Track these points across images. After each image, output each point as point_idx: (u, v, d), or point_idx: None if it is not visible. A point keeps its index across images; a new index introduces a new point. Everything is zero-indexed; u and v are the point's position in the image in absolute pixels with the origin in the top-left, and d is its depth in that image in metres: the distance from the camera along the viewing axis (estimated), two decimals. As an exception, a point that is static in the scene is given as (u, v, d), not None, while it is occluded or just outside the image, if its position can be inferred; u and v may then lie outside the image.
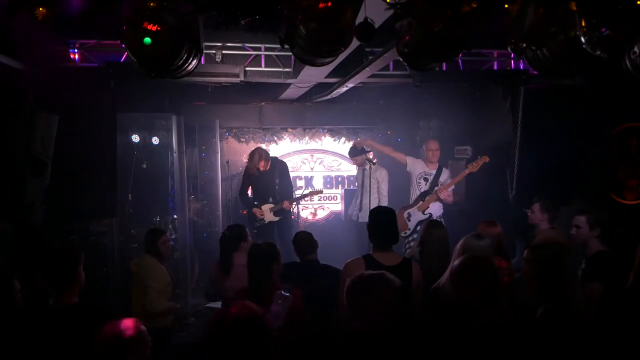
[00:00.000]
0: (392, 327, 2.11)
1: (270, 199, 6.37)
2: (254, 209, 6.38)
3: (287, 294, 2.74)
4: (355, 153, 6.45)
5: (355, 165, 6.74)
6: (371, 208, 6.25)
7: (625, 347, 2.22)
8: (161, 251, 4.09)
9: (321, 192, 7.21)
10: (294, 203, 6.53)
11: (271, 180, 6.38)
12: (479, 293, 2.22)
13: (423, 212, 5.92)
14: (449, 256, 3.80)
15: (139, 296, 3.95)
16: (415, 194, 6.07)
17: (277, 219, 6.36)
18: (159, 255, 4.08)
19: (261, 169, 6.27)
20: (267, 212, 6.35)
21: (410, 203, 6.06)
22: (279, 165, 6.51)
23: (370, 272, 2.35)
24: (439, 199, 5.90)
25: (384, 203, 6.25)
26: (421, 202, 5.95)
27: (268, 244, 3.37)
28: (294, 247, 3.94)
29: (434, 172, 6.05)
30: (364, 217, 6.29)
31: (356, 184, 6.80)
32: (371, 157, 6.28)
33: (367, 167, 6.15)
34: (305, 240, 3.91)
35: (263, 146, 7.80)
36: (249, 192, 6.61)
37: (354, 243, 6.54)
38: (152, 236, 4.13)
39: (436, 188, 5.93)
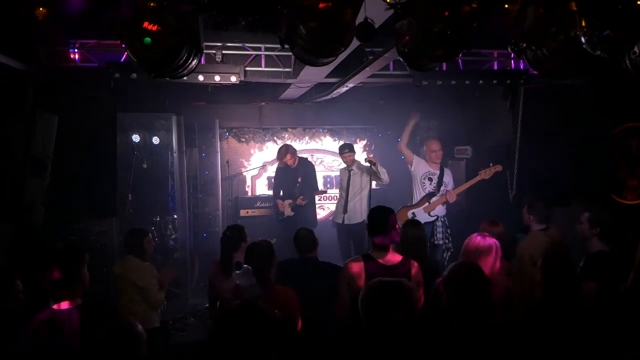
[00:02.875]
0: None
1: (292, 196, 6.64)
2: (278, 201, 6.74)
3: (245, 267, 2.91)
4: (344, 149, 6.45)
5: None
6: (361, 208, 6.30)
7: (617, 347, 2.22)
8: (146, 250, 4.04)
9: (325, 192, 7.39)
10: (307, 200, 6.60)
11: (295, 177, 6.65)
12: (467, 301, 2.24)
13: (429, 214, 5.90)
14: (426, 254, 3.85)
15: (129, 297, 3.87)
16: (419, 193, 6.03)
17: (292, 214, 6.60)
18: (144, 254, 4.02)
19: (288, 163, 6.56)
20: (286, 207, 6.66)
21: (414, 203, 6.03)
22: (304, 165, 6.79)
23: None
24: (446, 202, 5.88)
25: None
26: (427, 204, 5.91)
27: (264, 241, 3.39)
28: (294, 243, 3.93)
29: (438, 172, 6.02)
30: (351, 219, 6.31)
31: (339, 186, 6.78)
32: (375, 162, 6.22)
33: (353, 167, 6.31)
34: (305, 237, 3.89)
35: (263, 146, 7.84)
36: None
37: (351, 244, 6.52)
38: (137, 236, 4.05)
39: (443, 189, 5.91)
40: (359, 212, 6.34)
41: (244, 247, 3.99)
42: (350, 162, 6.40)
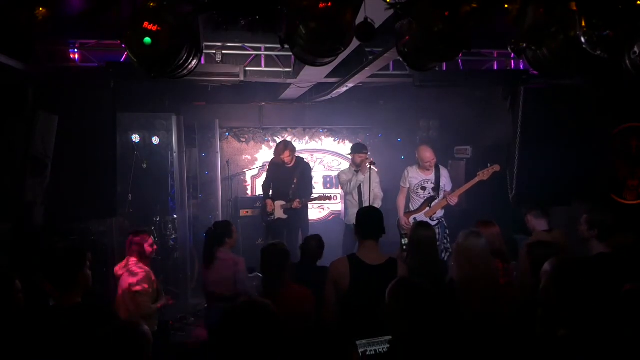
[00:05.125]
0: None
1: (285, 197, 6.40)
2: (267, 200, 6.42)
3: (254, 273, 2.95)
4: (360, 149, 6.21)
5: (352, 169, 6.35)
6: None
7: (619, 351, 2.20)
8: (148, 253, 4.01)
9: (330, 198, 6.94)
10: (305, 204, 6.48)
11: (290, 178, 6.37)
12: (579, 299, 2.01)
13: (431, 218, 5.87)
14: (435, 257, 3.81)
15: (124, 300, 3.84)
16: (416, 200, 5.99)
17: (285, 217, 6.37)
18: (145, 257, 3.99)
19: (286, 160, 6.28)
20: (277, 208, 6.38)
21: (414, 209, 6.00)
22: (301, 166, 6.50)
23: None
24: (447, 205, 5.85)
25: (381, 200, 6.23)
26: (428, 208, 5.89)
27: (281, 243, 3.46)
28: (303, 249, 4.08)
29: (432, 176, 5.93)
30: None
31: (347, 189, 6.34)
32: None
33: (365, 171, 6.06)
34: (317, 248, 4.10)
35: (263, 146, 7.84)
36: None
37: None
38: (139, 238, 4.03)
39: (443, 192, 5.90)
40: None
41: (229, 242, 4.20)
42: (365, 163, 6.10)
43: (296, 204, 6.26)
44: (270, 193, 6.50)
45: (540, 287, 2.12)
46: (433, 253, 3.79)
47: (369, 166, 6.04)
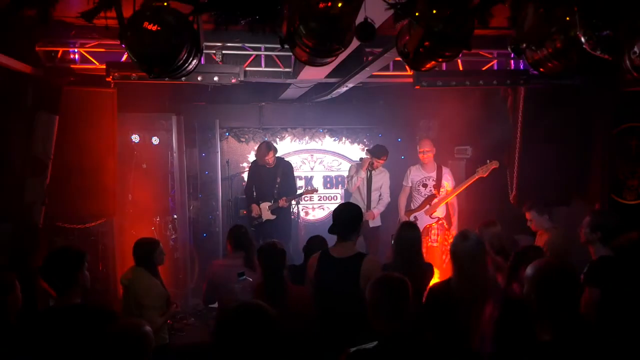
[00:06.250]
0: None
1: (270, 198, 6.36)
2: (253, 205, 6.40)
3: (243, 277, 3.18)
4: (380, 154, 6.11)
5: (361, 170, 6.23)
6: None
7: (622, 353, 2.19)
8: (157, 263, 3.76)
9: (316, 190, 7.03)
10: (291, 201, 6.49)
11: (273, 178, 6.37)
12: (557, 303, 2.01)
13: (431, 216, 5.88)
14: (416, 258, 3.74)
15: (131, 312, 3.63)
16: (417, 198, 6.01)
17: (273, 217, 6.35)
18: (154, 267, 3.74)
19: (270, 161, 6.27)
20: (264, 210, 6.36)
21: (415, 207, 6.02)
22: (283, 165, 6.49)
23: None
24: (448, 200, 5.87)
25: (387, 203, 6.23)
26: (428, 206, 5.91)
27: (276, 242, 3.47)
28: (308, 248, 4.03)
29: (434, 174, 5.97)
30: (374, 221, 6.25)
31: (349, 185, 6.38)
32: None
33: (365, 168, 6.09)
34: (321, 243, 4.03)
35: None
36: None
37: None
38: (148, 247, 3.74)
39: (446, 191, 5.90)
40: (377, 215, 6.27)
41: None
42: (367, 162, 6.14)
43: (282, 202, 6.27)
44: (254, 196, 6.46)
45: (524, 292, 2.13)
46: (415, 254, 3.72)
47: (367, 164, 6.04)
